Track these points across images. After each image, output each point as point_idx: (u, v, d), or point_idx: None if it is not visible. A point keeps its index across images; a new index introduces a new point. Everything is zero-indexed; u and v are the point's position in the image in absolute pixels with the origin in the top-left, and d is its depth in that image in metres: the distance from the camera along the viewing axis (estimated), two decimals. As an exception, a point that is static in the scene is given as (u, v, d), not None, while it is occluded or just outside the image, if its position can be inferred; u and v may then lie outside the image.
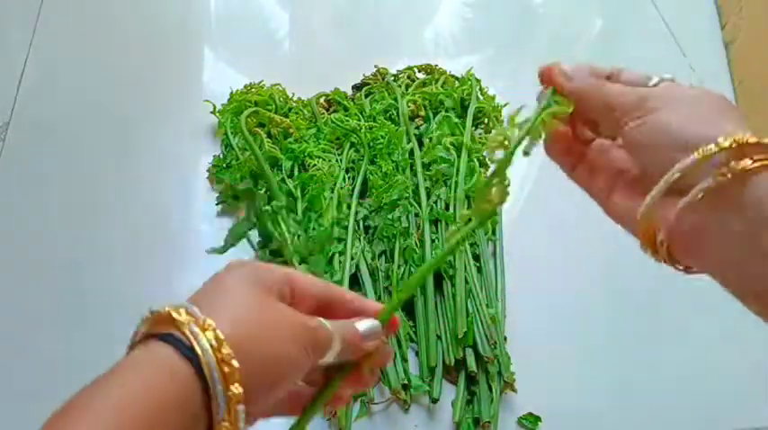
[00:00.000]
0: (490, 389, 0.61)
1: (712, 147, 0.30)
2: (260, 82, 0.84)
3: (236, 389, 0.28)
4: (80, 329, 0.65)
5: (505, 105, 0.87)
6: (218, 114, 0.81)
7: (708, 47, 1.01)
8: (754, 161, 0.30)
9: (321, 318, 0.34)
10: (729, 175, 0.30)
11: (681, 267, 0.35)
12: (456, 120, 0.80)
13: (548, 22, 1.06)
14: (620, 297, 0.71)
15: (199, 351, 0.28)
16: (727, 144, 0.31)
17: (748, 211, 0.30)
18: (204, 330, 0.28)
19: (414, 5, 1.07)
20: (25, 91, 0.86)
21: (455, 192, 0.72)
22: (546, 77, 0.39)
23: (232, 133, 0.78)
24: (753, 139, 0.31)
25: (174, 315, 0.29)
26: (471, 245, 0.70)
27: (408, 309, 0.67)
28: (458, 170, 0.74)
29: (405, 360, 0.63)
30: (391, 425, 0.61)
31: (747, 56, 0.95)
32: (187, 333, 0.28)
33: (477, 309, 0.64)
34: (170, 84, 0.90)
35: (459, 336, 0.62)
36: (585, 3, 1.10)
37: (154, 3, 1.00)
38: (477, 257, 0.70)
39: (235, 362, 0.28)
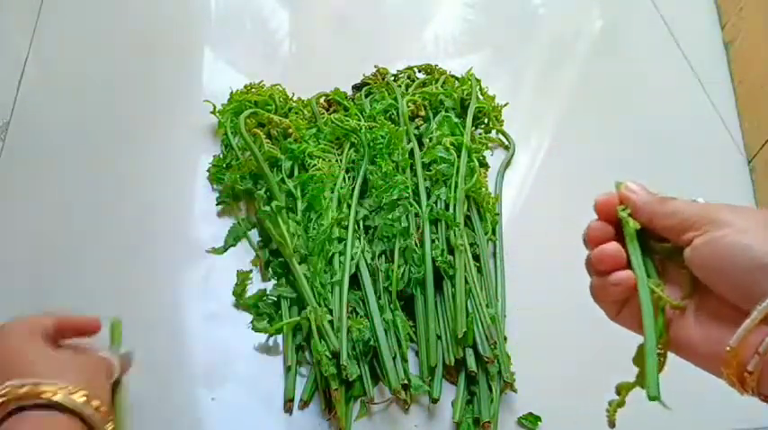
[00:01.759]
0: (490, 389, 0.61)
1: None
2: (260, 82, 0.84)
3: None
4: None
5: (505, 105, 0.87)
6: (218, 114, 0.81)
7: (708, 47, 1.01)
8: None
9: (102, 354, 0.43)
10: None
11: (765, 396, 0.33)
12: (456, 120, 0.80)
13: (548, 22, 1.06)
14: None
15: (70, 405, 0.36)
16: None
17: None
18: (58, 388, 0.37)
19: (414, 5, 1.07)
20: (25, 91, 0.86)
21: (455, 192, 0.72)
22: (619, 200, 0.38)
23: (232, 133, 0.78)
24: None
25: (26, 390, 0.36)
26: (471, 245, 0.70)
27: (408, 309, 0.67)
28: (458, 170, 0.74)
29: (405, 360, 0.63)
30: (391, 425, 0.61)
31: (747, 56, 0.95)
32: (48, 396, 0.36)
33: (477, 309, 0.64)
34: (170, 84, 0.90)
35: (459, 336, 0.62)
36: (585, 3, 1.10)
37: (154, 3, 1.00)
38: (477, 257, 0.70)
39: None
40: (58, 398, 0.36)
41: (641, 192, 0.37)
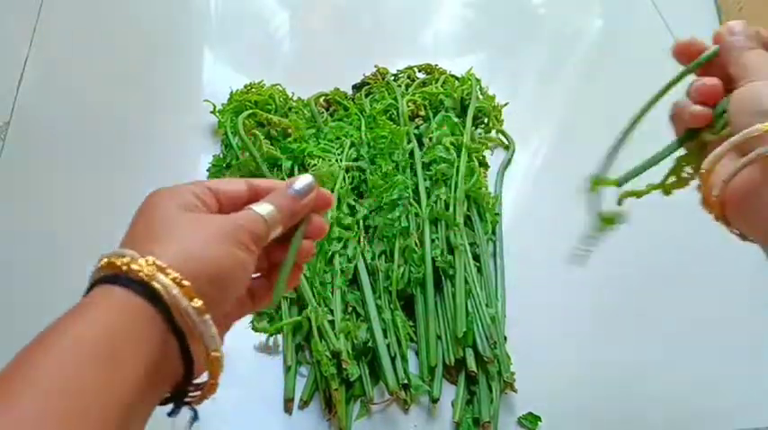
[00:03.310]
0: (490, 389, 0.61)
1: None
2: (260, 82, 0.84)
3: (196, 303, 0.30)
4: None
5: (505, 105, 0.87)
6: (217, 114, 0.81)
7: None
8: None
9: (249, 206, 0.36)
10: None
11: (736, 231, 0.37)
12: (456, 120, 0.80)
13: (548, 22, 1.06)
14: (621, 297, 0.71)
15: (147, 279, 0.29)
16: None
17: None
18: (148, 265, 0.30)
19: (414, 5, 1.07)
20: (25, 91, 0.86)
21: (455, 192, 0.72)
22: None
23: (232, 133, 0.78)
24: None
25: (115, 259, 0.31)
26: (471, 244, 0.70)
27: (408, 308, 0.67)
28: (458, 170, 0.74)
29: (405, 360, 0.63)
30: (391, 425, 0.61)
31: (747, 56, 0.95)
32: (134, 269, 0.30)
33: (477, 309, 0.64)
34: (170, 84, 0.90)
35: (459, 336, 0.62)
36: (585, 3, 1.10)
37: (154, 3, 1.00)
38: (477, 257, 0.70)
39: (185, 282, 0.30)
40: (144, 275, 0.29)
41: (737, 38, 0.39)
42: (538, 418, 0.61)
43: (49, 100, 0.86)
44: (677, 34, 1.02)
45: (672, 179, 0.41)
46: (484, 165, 0.80)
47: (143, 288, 0.29)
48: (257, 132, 0.77)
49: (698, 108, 0.39)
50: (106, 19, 0.97)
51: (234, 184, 0.37)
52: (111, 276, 0.31)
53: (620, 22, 1.08)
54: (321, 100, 0.85)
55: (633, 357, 0.67)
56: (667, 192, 0.42)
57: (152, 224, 0.34)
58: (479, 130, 0.85)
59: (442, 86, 0.85)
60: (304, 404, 0.61)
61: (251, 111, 0.79)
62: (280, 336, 0.65)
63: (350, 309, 0.65)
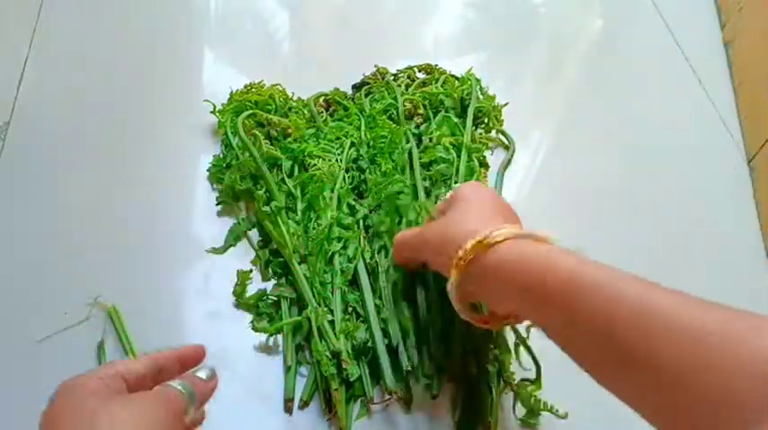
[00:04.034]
0: (490, 389, 0.61)
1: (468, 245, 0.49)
2: (260, 82, 0.84)
3: None
4: (81, 329, 0.65)
5: (505, 105, 0.87)
6: (218, 114, 0.81)
7: (708, 47, 1.01)
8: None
9: (172, 384, 0.40)
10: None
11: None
12: (456, 120, 0.80)
13: (548, 22, 1.06)
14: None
15: None
16: (469, 246, 0.48)
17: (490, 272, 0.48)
18: None
19: (414, 5, 1.07)
20: (25, 91, 0.86)
21: (455, 192, 0.72)
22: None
23: (231, 133, 0.78)
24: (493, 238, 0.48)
25: None
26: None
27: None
28: (458, 170, 0.74)
29: (410, 359, 0.62)
30: (391, 425, 0.61)
31: (747, 56, 0.95)
32: None
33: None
34: (170, 84, 0.90)
35: (457, 336, 0.62)
36: (585, 3, 1.10)
37: (154, 3, 1.01)
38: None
39: None
40: None
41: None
42: (537, 414, 0.61)
43: (49, 100, 0.86)
44: (677, 34, 1.02)
45: None
46: (484, 165, 0.80)
47: None
48: (257, 132, 0.77)
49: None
50: (106, 19, 0.97)
51: (137, 365, 0.41)
52: None
53: (620, 22, 1.08)
54: (321, 100, 0.85)
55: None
56: None
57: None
58: (479, 130, 0.85)
59: (441, 86, 0.85)
60: (304, 404, 0.61)
61: (251, 111, 0.79)
62: (280, 336, 0.65)
63: (350, 309, 0.65)
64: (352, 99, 0.86)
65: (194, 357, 0.47)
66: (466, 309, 0.52)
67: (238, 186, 0.74)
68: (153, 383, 0.41)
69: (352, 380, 0.60)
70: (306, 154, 0.76)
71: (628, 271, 0.41)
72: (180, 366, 0.45)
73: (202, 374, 0.44)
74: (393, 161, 0.75)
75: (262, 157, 0.74)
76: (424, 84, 0.87)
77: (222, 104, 0.82)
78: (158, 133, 0.83)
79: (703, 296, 0.37)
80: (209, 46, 0.96)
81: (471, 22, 1.04)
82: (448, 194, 0.57)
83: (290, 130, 0.79)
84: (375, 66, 0.89)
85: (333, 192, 0.72)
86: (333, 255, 0.68)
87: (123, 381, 0.39)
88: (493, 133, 0.86)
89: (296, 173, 0.75)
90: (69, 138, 0.81)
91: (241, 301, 0.68)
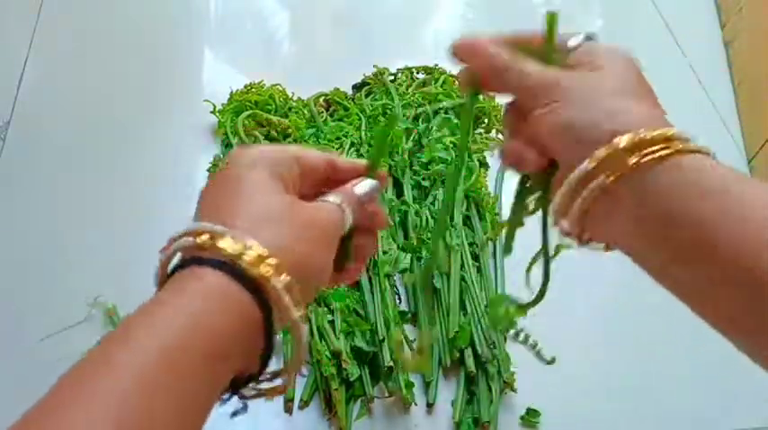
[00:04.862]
0: (490, 389, 0.61)
1: (602, 151, 0.31)
2: (260, 82, 0.84)
3: (299, 310, 0.30)
4: (81, 330, 0.65)
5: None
6: (218, 114, 0.81)
7: (708, 47, 1.01)
8: (644, 156, 0.31)
9: (332, 197, 0.35)
10: (612, 178, 0.31)
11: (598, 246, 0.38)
12: (456, 120, 0.80)
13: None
14: (620, 296, 0.71)
15: (257, 275, 0.28)
16: (611, 151, 0.31)
17: (629, 204, 0.32)
18: (247, 249, 0.29)
19: (414, 5, 1.07)
20: (25, 91, 0.86)
21: (454, 192, 0.72)
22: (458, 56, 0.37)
23: (232, 133, 0.78)
24: (650, 133, 0.31)
25: (221, 243, 0.29)
26: (471, 244, 0.70)
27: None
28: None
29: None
30: (391, 425, 0.61)
31: (747, 56, 0.95)
32: (236, 257, 0.28)
33: (476, 309, 0.64)
34: (170, 84, 0.90)
35: (450, 337, 0.62)
36: (585, 3, 1.10)
37: (154, 3, 1.01)
38: (476, 257, 0.70)
39: (285, 277, 0.29)
40: (231, 254, 0.28)
41: (496, 58, 0.35)
42: (538, 413, 0.61)
43: (49, 100, 0.86)
44: (677, 34, 1.02)
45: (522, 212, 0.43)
46: (484, 165, 0.80)
47: (245, 280, 0.28)
48: (257, 132, 0.77)
49: (532, 156, 0.36)
50: (106, 19, 0.97)
51: (315, 159, 0.36)
52: (205, 259, 0.30)
53: (620, 22, 1.07)
54: (321, 100, 0.85)
55: (632, 356, 0.67)
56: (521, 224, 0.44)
57: (241, 199, 0.32)
58: (479, 130, 0.85)
59: (441, 86, 0.85)
60: (304, 404, 0.61)
61: (251, 111, 0.79)
62: (279, 336, 0.65)
63: (350, 309, 0.65)
64: (352, 99, 0.86)
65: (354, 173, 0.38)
66: (576, 224, 0.36)
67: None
68: (318, 183, 0.36)
69: (352, 380, 0.60)
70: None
71: (626, 264, 0.40)
72: (346, 177, 0.38)
73: (360, 190, 0.36)
74: (393, 161, 0.75)
75: (262, 157, 0.74)
76: (423, 84, 0.87)
77: (222, 104, 0.82)
78: (158, 133, 0.83)
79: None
80: (209, 46, 0.96)
81: (471, 22, 1.04)
82: (579, 42, 0.40)
83: (290, 130, 0.79)
84: (375, 66, 0.89)
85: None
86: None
87: (298, 170, 0.35)
88: (493, 133, 0.86)
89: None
90: (69, 138, 0.81)
91: (241, 301, 0.67)
